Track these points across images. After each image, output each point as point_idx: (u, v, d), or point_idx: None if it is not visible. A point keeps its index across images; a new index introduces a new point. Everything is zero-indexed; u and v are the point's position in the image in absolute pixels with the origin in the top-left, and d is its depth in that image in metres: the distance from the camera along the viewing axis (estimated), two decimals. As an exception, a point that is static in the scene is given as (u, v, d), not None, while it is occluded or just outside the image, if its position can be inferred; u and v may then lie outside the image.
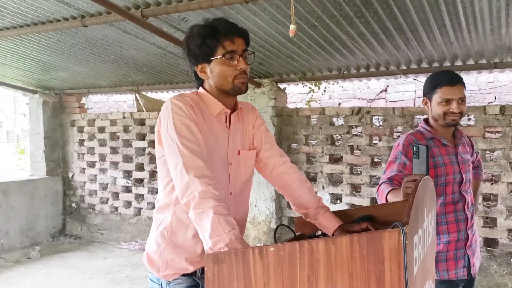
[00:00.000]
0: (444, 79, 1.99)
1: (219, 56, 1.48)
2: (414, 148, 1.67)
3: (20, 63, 4.72)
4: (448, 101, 1.97)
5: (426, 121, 2.14)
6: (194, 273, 1.57)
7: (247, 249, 1.19)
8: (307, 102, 5.41)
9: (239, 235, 1.29)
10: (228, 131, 1.60)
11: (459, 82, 1.99)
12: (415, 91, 5.54)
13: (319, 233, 1.70)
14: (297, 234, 1.74)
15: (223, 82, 1.52)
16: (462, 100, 1.98)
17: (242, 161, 1.64)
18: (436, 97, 1.99)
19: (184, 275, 1.56)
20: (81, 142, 6.17)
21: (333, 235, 1.56)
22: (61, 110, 6.25)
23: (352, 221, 1.64)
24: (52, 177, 6.15)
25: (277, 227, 1.84)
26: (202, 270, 1.54)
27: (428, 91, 2.05)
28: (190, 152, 1.39)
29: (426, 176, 1.53)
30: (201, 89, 1.60)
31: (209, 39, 1.48)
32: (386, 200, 1.86)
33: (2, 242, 5.48)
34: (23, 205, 5.76)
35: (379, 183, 2.00)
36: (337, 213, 1.66)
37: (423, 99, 2.09)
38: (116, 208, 5.95)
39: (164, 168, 1.54)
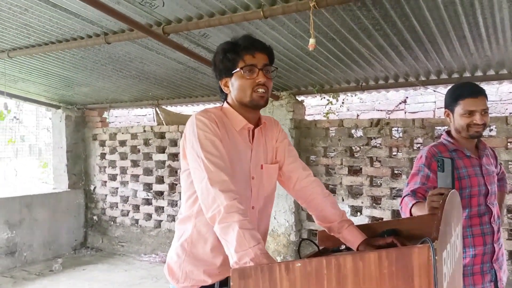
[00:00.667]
0: (467, 91, 1.99)
1: (238, 69, 1.53)
2: (439, 161, 1.67)
3: (44, 79, 4.84)
4: (471, 113, 1.96)
5: (448, 133, 2.13)
6: (213, 286, 1.58)
7: (273, 265, 1.19)
8: (325, 114, 5.41)
9: (264, 250, 1.30)
10: (251, 145, 1.63)
11: (482, 93, 1.98)
12: (435, 102, 5.49)
13: (342, 247, 1.70)
14: (320, 248, 1.74)
15: (242, 95, 1.55)
16: (485, 111, 1.97)
17: (265, 175, 1.66)
18: (459, 109, 1.99)
19: (203, 287, 1.58)
20: (102, 156, 6.26)
21: (357, 249, 1.55)
22: (83, 124, 6.37)
23: (377, 235, 1.63)
24: (74, 190, 6.26)
25: (300, 241, 1.84)
26: (221, 283, 1.59)
27: (450, 103, 2.04)
28: (215, 167, 1.42)
29: (453, 190, 1.52)
30: (225, 104, 1.64)
31: (230, 53, 1.54)
32: (410, 214, 1.85)
33: (26, 254, 5.57)
34: (46, 218, 5.85)
35: (402, 196, 1.99)
36: (360, 227, 1.66)
37: (445, 111, 2.09)
38: (136, 221, 6.01)
39: (187, 181, 1.57)
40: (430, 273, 1.02)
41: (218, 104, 1.77)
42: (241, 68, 1.52)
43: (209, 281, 1.57)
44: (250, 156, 1.62)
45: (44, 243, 5.81)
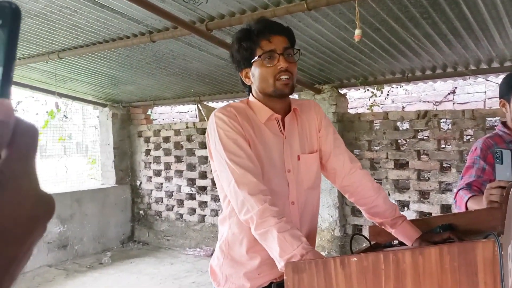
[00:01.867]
0: None
1: (256, 58, 1.41)
2: (497, 152, 1.59)
3: (92, 78, 5.01)
4: None
5: (504, 123, 2.03)
6: None
7: (328, 259, 1.17)
8: (369, 107, 5.30)
9: (309, 247, 1.25)
10: (283, 136, 1.51)
11: None
12: (485, 92, 5.26)
13: (395, 242, 1.65)
14: (372, 243, 1.70)
15: (264, 85, 1.44)
16: None
17: (303, 166, 1.54)
18: None
19: None
20: (147, 152, 6.42)
21: (412, 245, 1.51)
22: (128, 121, 6.55)
23: (431, 230, 1.58)
24: (121, 185, 6.45)
25: (352, 236, 1.81)
26: None
27: (507, 93, 1.94)
28: (240, 168, 1.34)
29: (514, 183, 1.45)
30: (251, 97, 1.55)
31: (244, 41, 1.43)
32: (466, 208, 1.78)
33: (77, 248, 5.80)
34: (95, 213, 6.06)
35: (457, 189, 1.91)
36: (414, 222, 1.61)
37: (500, 101, 1.98)
38: (181, 215, 6.12)
39: (219, 182, 1.50)
40: (496, 269, 0.97)
41: None
42: (260, 56, 1.41)
43: (247, 286, 1.49)
44: (282, 148, 1.50)
45: (93, 237, 6.03)
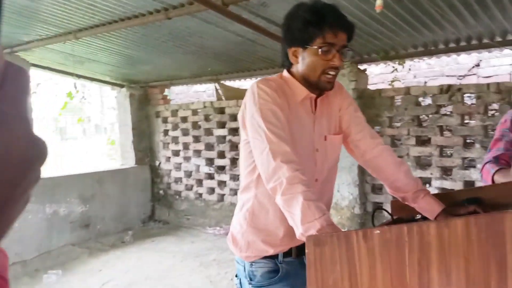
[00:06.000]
0: None
1: (315, 47, 1.40)
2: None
3: (109, 58, 5.01)
4: None
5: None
6: (276, 257, 1.56)
7: (350, 232, 1.14)
8: (390, 82, 5.18)
9: (330, 221, 1.25)
10: (314, 116, 1.55)
11: None
12: (512, 64, 5.09)
13: (418, 216, 1.62)
14: (394, 217, 1.67)
15: (310, 74, 1.46)
16: None
17: (329, 146, 1.59)
18: None
19: (265, 257, 1.56)
20: (165, 132, 6.44)
21: (435, 219, 1.47)
22: (146, 102, 6.56)
23: (456, 204, 1.54)
24: (140, 166, 6.51)
25: (374, 211, 1.78)
26: (284, 254, 1.56)
27: None
28: (276, 138, 1.36)
29: (545, 154, 1.38)
30: (286, 73, 1.55)
31: (312, 26, 1.39)
32: (493, 181, 1.72)
33: (99, 227, 5.90)
34: (116, 193, 6.14)
35: (483, 163, 1.85)
36: (438, 196, 1.56)
37: None
38: (200, 195, 6.16)
39: (247, 151, 1.53)
40: (526, 240, 0.93)
41: None
42: (319, 47, 1.40)
43: (271, 251, 1.54)
44: (313, 127, 1.55)
45: (115, 216, 6.12)
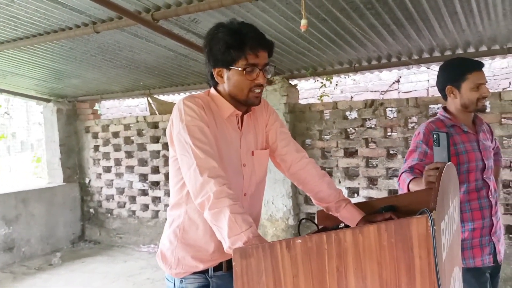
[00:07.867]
0: (472, 65, 2.00)
1: (239, 68, 1.44)
2: (434, 135, 1.66)
3: (34, 72, 4.78)
4: (479, 86, 1.97)
5: (445, 109, 2.12)
6: (206, 272, 1.57)
7: (274, 242, 1.19)
8: (319, 97, 5.39)
9: (256, 233, 1.29)
10: (240, 132, 1.59)
11: (483, 66, 2.01)
12: (428, 80, 5.49)
13: (341, 225, 1.71)
14: (320, 227, 1.75)
15: (237, 93, 1.50)
16: (486, 84, 2.00)
17: (256, 161, 1.63)
18: (468, 83, 1.98)
19: (195, 273, 1.57)
20: (96, 148, 6.23)
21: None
22: (75, 117, 6.31)
23: (374, 212, 1.64)
24: (69, 184, 6.22)
25: (300, 221, 1.84)
26: (215, 268, 1.58)
27: (456, 79, 2.01)
28: (203, 153, 1.39)
29: (449, 163, 1.52)
30: (213, 91, 1.58)
31: (233, 49, 1.42)
32: (408, 190, 1.85)
33: (24, 250, 5.56)
34: (43, 213, 5.83)
35: (400, 173, 1.99)
36: (358, 205, 1.66)
37: (448, 88, 2.04)
38: (133, 212, 6.00)
39: (175, 168, 1.55)
40: (429, 243, 1.02)
41: None
42: (243, 69, 1.44)
43: (201, 267, 1.56)
44: (240, 142, 1.58)
45: (42, 238, 5.80)
